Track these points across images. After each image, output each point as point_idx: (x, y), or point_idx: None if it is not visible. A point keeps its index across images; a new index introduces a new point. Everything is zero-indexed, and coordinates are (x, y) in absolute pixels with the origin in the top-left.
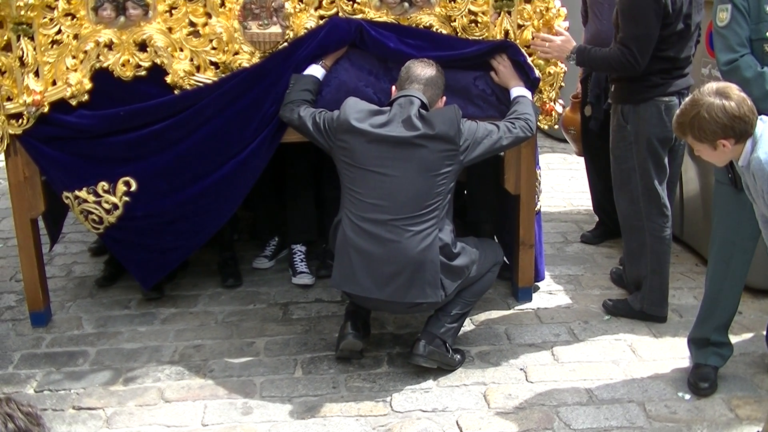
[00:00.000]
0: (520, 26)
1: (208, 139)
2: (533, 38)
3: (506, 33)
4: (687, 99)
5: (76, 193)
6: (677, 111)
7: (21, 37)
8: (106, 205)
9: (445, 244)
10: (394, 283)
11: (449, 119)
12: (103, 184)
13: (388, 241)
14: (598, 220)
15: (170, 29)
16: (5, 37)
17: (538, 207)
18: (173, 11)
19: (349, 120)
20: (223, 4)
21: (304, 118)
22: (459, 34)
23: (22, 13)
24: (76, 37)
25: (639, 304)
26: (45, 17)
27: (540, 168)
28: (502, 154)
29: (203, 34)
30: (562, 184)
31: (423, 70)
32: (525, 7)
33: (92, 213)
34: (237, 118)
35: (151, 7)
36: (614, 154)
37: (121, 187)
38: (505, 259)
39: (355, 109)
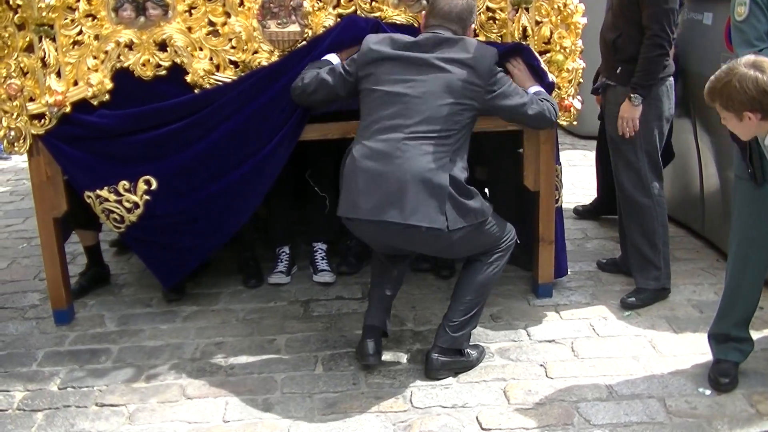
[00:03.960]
0: (538, 23)
1: (227, 137)
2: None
3: (524, 30)
4: (723, 66)
5: (98, 192)
6: (711, 77)
7: (43, 38)
8: (127, 204)
9: (457, 179)
10: (398, 204)
11: (483, 56)
12: (124, 183)
13: (397, 158)
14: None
15: (190, 29)
16: (27, 39)
17: (559, 203)
18: (193, 11)
19: (371, 47)
20: (242, 4)
21: (318, 75)
22: (477, 31)
23: (44, 14)
24: (96, 37)
25: (657, 283)
26: (66, 18)
27: (560, 164)
28: (521, 150)
29: (222, 33)
30: (583, 180)
31: (448, 3)
32: (543, 4)
33: (113, 212)
34: (256, 117)
35: (170, 7)
36: (616, 136)
37: (141, 186)
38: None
39: (376, 39)
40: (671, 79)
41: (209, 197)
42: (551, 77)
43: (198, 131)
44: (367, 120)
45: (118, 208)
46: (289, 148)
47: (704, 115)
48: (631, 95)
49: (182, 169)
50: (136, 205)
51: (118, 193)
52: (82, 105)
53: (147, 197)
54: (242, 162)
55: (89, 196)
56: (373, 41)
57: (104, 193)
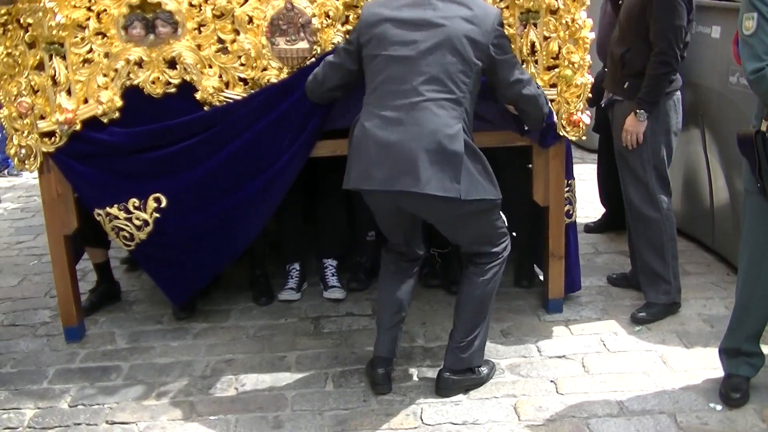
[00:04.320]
0: (546, 38)
1: (238, 154)
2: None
3: (532, 45)
4: None
5: (107, 209)
6: None
7: (53, 57)
8: (137, 222)
9: (471, 145)
10: (412, 172)
11: (486, 13)
12: (134, 201)
13: (409, 124)
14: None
15: (199, 46)
16: (38, 57)
17: (573, 218)
18: (202, 28)
19: (369, 10)
20: (251, 21)
21: (325, 63)
22: None
23: (54, 32)
24: (106, 55)
25: (667, 297)
26: (76, 36)
27: (574, 178)
28: (530, 165)
29: (232, 50)
30: (593, 195)
31: None
32: (551, 19)
33: (123, 230)
34: (266, 133)
35: (180, 25)
36: (624, 151)
37: (151, 204)
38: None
39: (375, 3)
40: (678, 93)
41: (220, 213)
42: (553, 117)
43: (208, 148)
44: (373, 86)
45: (128, 225)
46: (300, 164)
47: (713, 128)
48: (637, 111)
49: (192, 186)
50: (146, 223)
51: (128, 211)
52: (92, 122)
53: (157, 215)
54: (253, 177)
55: (99, 214)
56: (369, 4)
57: (114, 210)
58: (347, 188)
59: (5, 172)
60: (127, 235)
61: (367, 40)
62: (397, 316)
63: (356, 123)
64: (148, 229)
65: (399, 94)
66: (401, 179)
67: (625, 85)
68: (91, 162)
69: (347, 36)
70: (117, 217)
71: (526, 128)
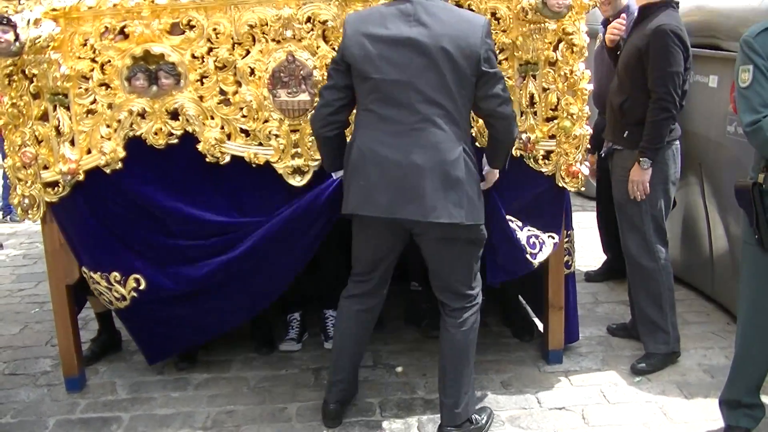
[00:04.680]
0: (545, 90)
1: (241, 259)
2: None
3: (531, 97)
4: None
5: (91, 274)
6: None
7: (57, 107)
8: (116, 294)
9: (471, 168)
10: (418, 199)
11: (473, 24)
12: (116, 275)
13: (411, 146)
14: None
15: (201, 98)
16: (42, 107)
17: (571, 269)
18: (204, 80)
19: (353, 27)
20: (252, 73)
21: (321, 90)
22: None
23: (59, 83)
24: (110, 106)
25: (667, 347)
26: (80, 87)
27: (573, 229)
28: None
29: (234, 102)
30: (593, 243)
31: None
32: (549, 71)
33: (103, 295)
34: (272, 247)
35: (182, 77)
36: (622, 200)
37: (131, 283)
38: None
39: (355, 18)
40: (677, 143)
41: (203, 301)
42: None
43: (207, 251)
44: (366, 107)
45: (107, 293)
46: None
47: (712, 177)
48: (640, 159)
49: (177, 277)
50: (123, 298)
51: (109, 282)
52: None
53: (134, 294)
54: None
55: (85, 272)
56: (352, 20)
57: (96, 276)
58: (346, 213)
59: (7, 218)
60: (106, 300)
61: (353, 60)
62: (356, 362)
63: (352, 145)
64: (125, 303)
65: (396, 116)
66: (406, 206)
67: (625, 134)
68: (84, 222)
69: (335, 57)
70: (98, 283)
71: (485, 169)
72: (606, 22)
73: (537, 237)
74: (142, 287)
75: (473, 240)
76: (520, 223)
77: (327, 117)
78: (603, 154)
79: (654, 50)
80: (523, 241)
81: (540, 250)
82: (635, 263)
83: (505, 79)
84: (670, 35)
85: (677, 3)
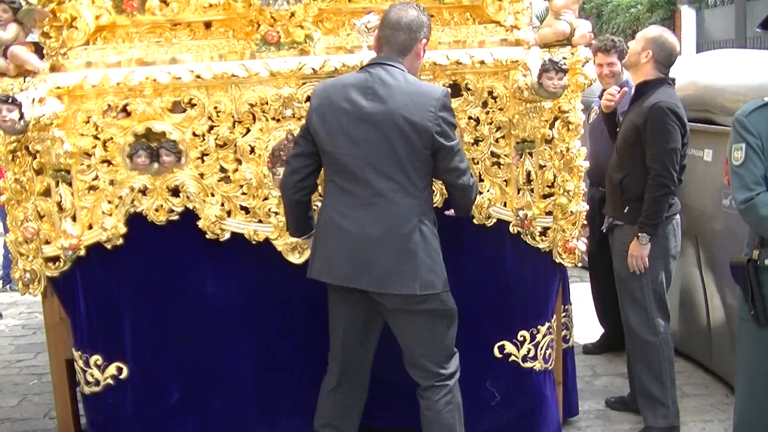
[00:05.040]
0: (541, 167)
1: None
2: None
3: (528, 174)
4: None
5: (73, 349)
6: None
7: (60, 183)
8: (89, 378)
9: (428, 238)
10: (372, 270)
11: (429, 96)
12: (98, 358)
13: (367, 219)
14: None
15: (202, 175)
16: (45, 183)
17: (570, 343)
18: (205, 158)
19: (318, 100)
20: (252, 151)
21: (289, 158)
22: (482, 176)
23: (62, 160)
24: (112, 182)
25: (666, 421)
26: (82, 164)
27: (571, 303)
28: None
29: (234, 179)
30: (592, 315)
31: (397, 13)
32: (546, 148)
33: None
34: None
35: (183, 154)
36: (623, 275)
37: (111, 370)
38: None
39: (320, 91)
40: (678, 217)
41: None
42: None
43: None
44: (330, 177)
45: (80, 373)
46: None
47: (708, 249)
48: (639, 234)
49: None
50: (97, 383)
51: (87, 364)
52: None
53: (111, 382)
54: None
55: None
56: (318, 91)
57: (76, 354)
58: (310, 277)
59: (7, 287)
60: (79, 379)
61: (314, 133)
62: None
63: (320, 213)
64: (96, 389)
65: (354, 189)
66: (362, 277)
67: (625, 210)
68: (78, 298)
69: (302, 126)
70: (76, 360)
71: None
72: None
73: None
74: (122, 376)
75: (436, 311)
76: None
77: (296, 184)
78: (604, 230)
79: (651, 127)
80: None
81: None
82: (636, 337)
83: (501, 156)
84: (667, 112)
85: (673, 80)
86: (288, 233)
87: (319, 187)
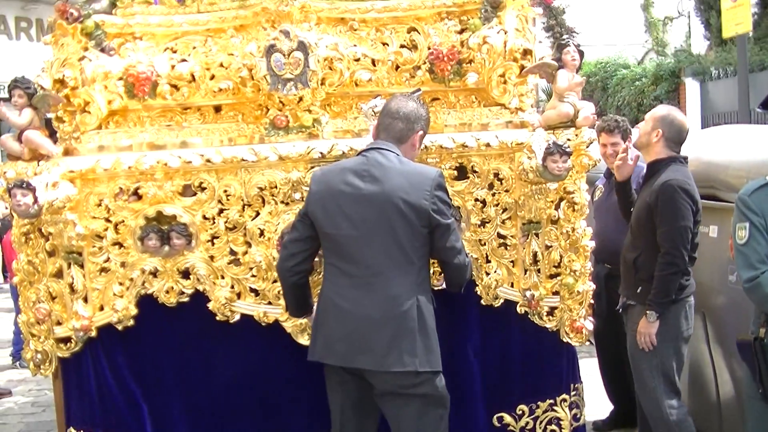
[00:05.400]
0: (547, 247)
1: None
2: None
3: (534, 254)
4: None
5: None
6: None
7: (72, 265)
8: None
9: (424, 315)
10: (370, 349)
11: (424, 177)
12: None
13: (365, 299)
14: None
15: (212, 257)
16: (57, 265)
17: (581, 421)
18: (215, 240)
19: (316, 185)
20: (262, 234)
21: (285, 240)
22: (489, 257)
23: (74, 242)
24: (123, 264)
25: None
26: (94, 246)
27: (581, 381)
28: None
29: (243, 262)
30: (602, 390)
31: (397, 103)
32: (552, 229)
33: None
34: None
35: (194, 237)
36: (636, 355)
37: None
38: None
39: (318, 176)
40: (692, 299)
41: None
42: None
43: None
44: (329, 260)
45: None
46: None
47: (716, 324)
48: (647, 312)
49: None
50: None
51: None
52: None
53: None
54: None
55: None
56: (317, 176)
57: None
58: (312, 360)
59: (17, 364)
60: None
61: (314, 216)
62: None
63: (320, 296)
64: None
65: (352, 270)
66: (360, 356)
67: (639, 290)
68: (85, 378)
69: (299, 212)
70: None
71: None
72: (609, 174)
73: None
74: None
75: (429, 397)
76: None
77: (293, 267)
78: (619, 310)
79: (662, 205)
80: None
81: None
82: (649, 417)
83: (508, 237)
84: (678, 190)
85: (685, 158)
86: (288, 313)
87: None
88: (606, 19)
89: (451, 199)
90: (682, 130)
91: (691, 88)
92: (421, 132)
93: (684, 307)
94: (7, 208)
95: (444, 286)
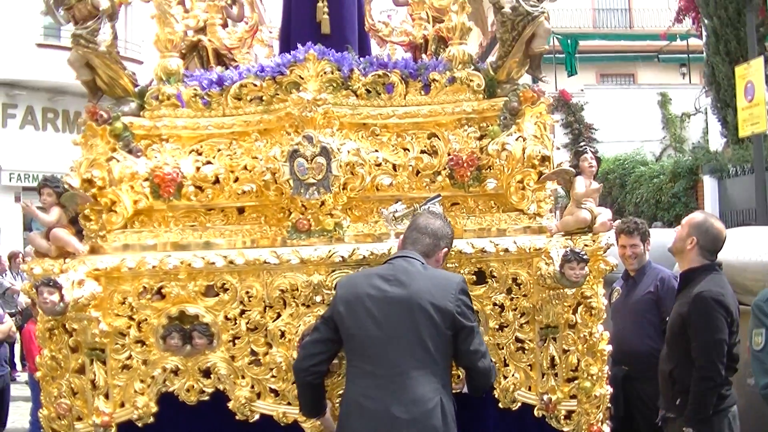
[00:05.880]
0: (565, 351)
1: None
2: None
3: (552, 359)
4: None
5: None
6: None
7: (94, 361)
8: None
9: (448, 416)
10: None
11: (448, 283)
12: None
13: (391, 399)
14: None
15: (233, 357)
16: (79, 361)
17: None
18: (236, 341)
19: (344, 289)
20: (283, 335)
21: (306, 341)
22: (507, 360)
23: (97, 339)
24: (144, 362)
25: None
26: (117, 343)
27: None
28: None
29: (264, 362)
30: None
31: (426, 219)
32: (569, 333)
33: None
34: None
35: (215, 337)
36: None
37: None
38: None
39: (345, 281)
40: (734, 408)
41: None
42: None
43: None
44: (353, 362)
45: None
46: None
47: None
48: (684, 428)
49: None
50: None
51: None
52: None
53: None
54: None
55: None
56: (343, 283)
57: None
58: None
59: None
60: None
61: (339, 318)
62: None
63: (343, 399)
64: None
65: (377, 370)
66: None
67: (677, 402)
68: None
69: (322, 314)
70: None
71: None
72: (626, 276)
73: None
74: None
75: None
76: None
77: (310, 368)
78: (659, 423)
79: (695, 318)
80: None
81: None
82: None
83: (527, 341)
84: (711, 302)
85: (720, 265)
86: (301, 413)
87: None
88: (624, 116)
89: (473, 303)
90: (718, 238)
91: (709, 185)
92: (445, 249)
93: (726, 417)
94: (28, 299)
95: (463, 390)
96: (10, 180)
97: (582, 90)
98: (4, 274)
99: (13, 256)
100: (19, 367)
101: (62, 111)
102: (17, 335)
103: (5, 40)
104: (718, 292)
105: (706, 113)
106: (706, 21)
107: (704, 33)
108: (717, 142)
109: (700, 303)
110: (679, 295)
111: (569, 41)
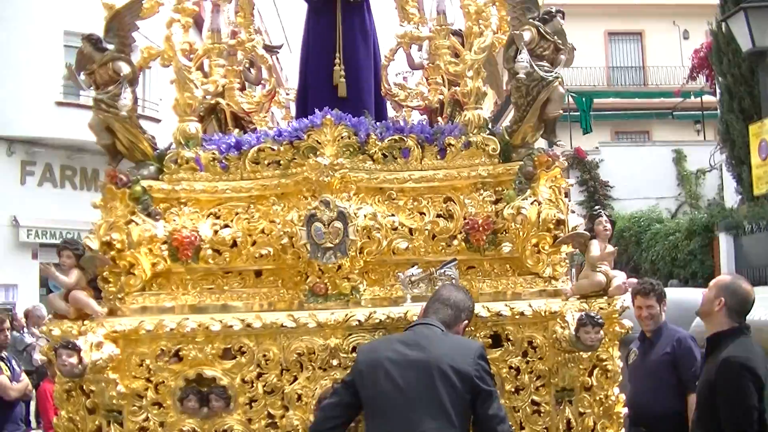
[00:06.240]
0: (581, 414)
1: None
2: None
3: (568, 422)
4: None
5: None
6: None
7: (111, 423)
8: None
9: None
10: None
11: (467, 350)
12: None
13: None
14: None
15: (250, 420)
16: (96, 422)
17: None
18: (253, 404)
19: (365, 354)
20: (299, 399)
21: (323, 405)
22: (522, 423)
23: (114, 401)
24: (162, 425)
25: None
26: (134, 405)
27: None
28: None
29: (281, 425)
30: None
31: (449, 290)
32: (585, 396)
33: None
34: None
35: (232, 399)
36: None
37: None
38: None
39: (368, 347)
40: None
41: None
42: None
43: None
44: (372, 423)
45: None
46: None
47: None
48: None
49: None
50: None
51: None
52: None
53: None
54: None
55: None
56: (365, 349)
57: None
58: None
59: None
60: None
61: (361, 381)
62: None
63: None
64: None
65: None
66: None
67: None
68: None
69: (343, 378)
70: None
71: None
72: (643, 337)
73: None
74: None
75: None
76: None
77: (327, 430)
78: None
79: (724, 385)
80: None
81: None
82: None
83: (543, 404)
84: (739, 368)
85: (748, 327)
86: None
87: None
88: (639, 173)
89: (491, 369)
90: (747, 300)
91: (725, 242)
92: (466, 321)
93: None
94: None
95: None
96: (28, 236)
97: (597, 147)
98: (22, 330)
99: (29, 313)
100: (33, 424)
101: (80, 168)
102: (33, 393)
103: (25, 98)
104: (746, 358)
105: (721, 170)
106: (719, 79)
107: (718, 90)
108: (732, 198)
109: (728, 369)
110: (708, 360)
111: (584, 99)
